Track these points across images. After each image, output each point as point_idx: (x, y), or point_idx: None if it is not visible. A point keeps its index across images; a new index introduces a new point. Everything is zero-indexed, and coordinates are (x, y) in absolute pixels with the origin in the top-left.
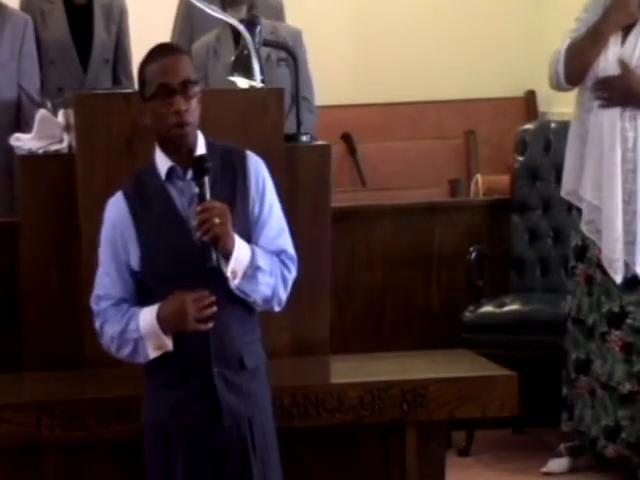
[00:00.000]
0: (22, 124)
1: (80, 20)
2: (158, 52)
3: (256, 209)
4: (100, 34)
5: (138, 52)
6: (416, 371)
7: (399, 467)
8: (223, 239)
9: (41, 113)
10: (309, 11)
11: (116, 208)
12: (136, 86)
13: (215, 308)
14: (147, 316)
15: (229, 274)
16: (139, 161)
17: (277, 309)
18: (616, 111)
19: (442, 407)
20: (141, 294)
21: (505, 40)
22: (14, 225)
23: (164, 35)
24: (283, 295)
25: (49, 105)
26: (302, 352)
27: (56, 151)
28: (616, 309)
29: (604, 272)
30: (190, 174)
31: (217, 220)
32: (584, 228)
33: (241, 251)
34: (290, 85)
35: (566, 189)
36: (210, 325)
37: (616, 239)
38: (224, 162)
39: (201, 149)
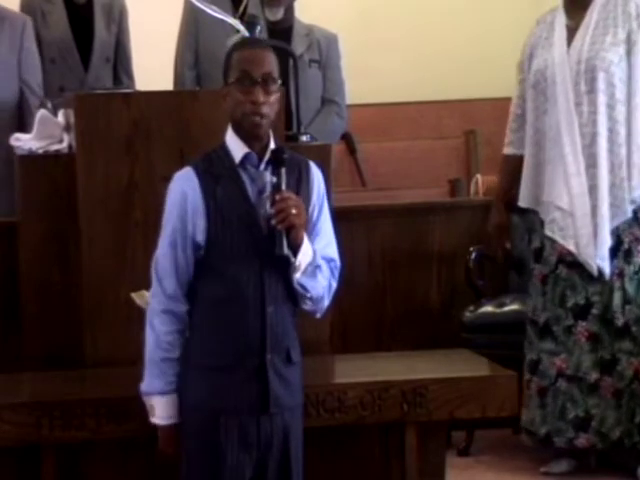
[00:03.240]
0: (27, 120)
1: (80, 19)
2: (248, 42)
3: (314, 215)
4: (101, 33)
5: (138, 51)
6: (416, 371)
7: (399, 467)
8: (297, 230)
9: (41, 113)
10: (309, 11)
11: (187, 181)
12: (137, 85)
13: None
14: (168, 406)
15: (296, 265)
16: (139, 161)
17: (318, 315)
18: (571, 108)
19: (442, 407)
20: (200, 274)
21: (505, 40)
22: (14, 225)
23: (164, 34)
24: (327, 302)
25: (49, 105)
26: (302, 352)
27: (56, 151)
28: (581, 301)
29: (569, 267)
30: (263, 165)
31: (294, 211)
32: (547, 227)
33: (306, 247)
34: (321, 86)
35: (527, 200)
36: None
37: (589, 233)
38: (289, 166)
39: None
